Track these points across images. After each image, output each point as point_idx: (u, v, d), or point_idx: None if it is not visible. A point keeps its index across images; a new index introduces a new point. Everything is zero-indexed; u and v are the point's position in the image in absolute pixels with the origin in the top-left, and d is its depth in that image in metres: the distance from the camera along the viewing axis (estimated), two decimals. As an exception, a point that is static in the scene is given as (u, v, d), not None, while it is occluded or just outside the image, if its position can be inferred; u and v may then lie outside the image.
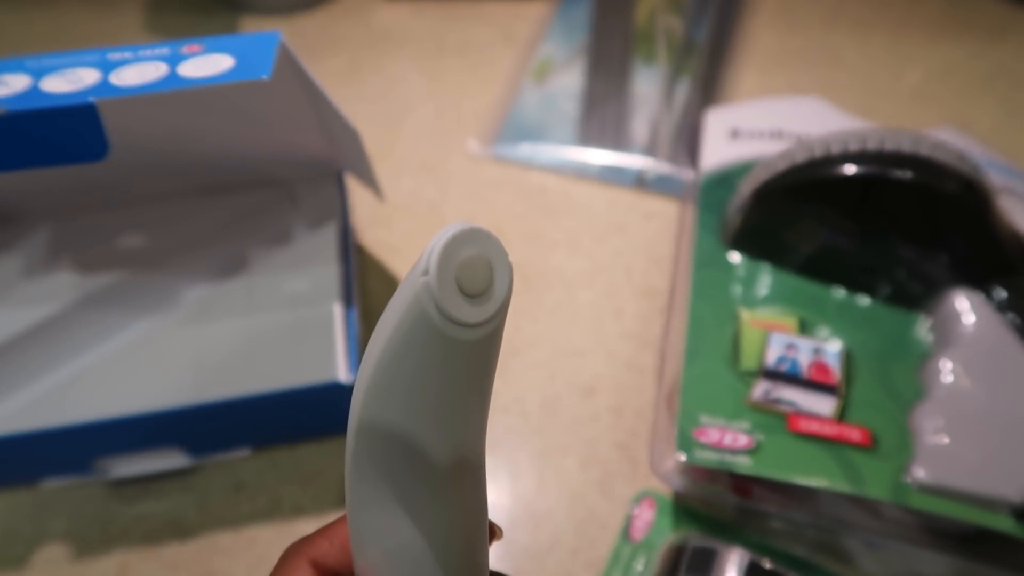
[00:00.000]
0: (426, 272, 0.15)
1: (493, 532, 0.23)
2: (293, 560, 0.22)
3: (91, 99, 0.26)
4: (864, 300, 0.38)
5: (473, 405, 0.18)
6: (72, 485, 0.39)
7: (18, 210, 0.42)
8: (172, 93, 0.28)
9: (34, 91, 0.27)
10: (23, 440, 0.34)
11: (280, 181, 0.44)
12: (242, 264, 0.42)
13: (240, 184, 0.44)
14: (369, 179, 0.40)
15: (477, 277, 0.16)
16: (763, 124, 0.46)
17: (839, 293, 0.38)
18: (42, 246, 0.41)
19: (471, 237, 0.15)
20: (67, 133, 0.27)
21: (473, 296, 0.16)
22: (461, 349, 0.16)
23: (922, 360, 0.35)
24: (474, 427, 0.19)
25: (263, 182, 0.44)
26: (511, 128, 0.53)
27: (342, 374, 0.36)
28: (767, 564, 0.30)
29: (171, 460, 0.38)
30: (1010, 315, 0.34)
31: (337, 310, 0.39)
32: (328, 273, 0.40)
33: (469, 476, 0.20)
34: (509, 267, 0.16)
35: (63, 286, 0.40)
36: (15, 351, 0.38)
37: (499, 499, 0.38)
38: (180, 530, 0.37)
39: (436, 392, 0.17)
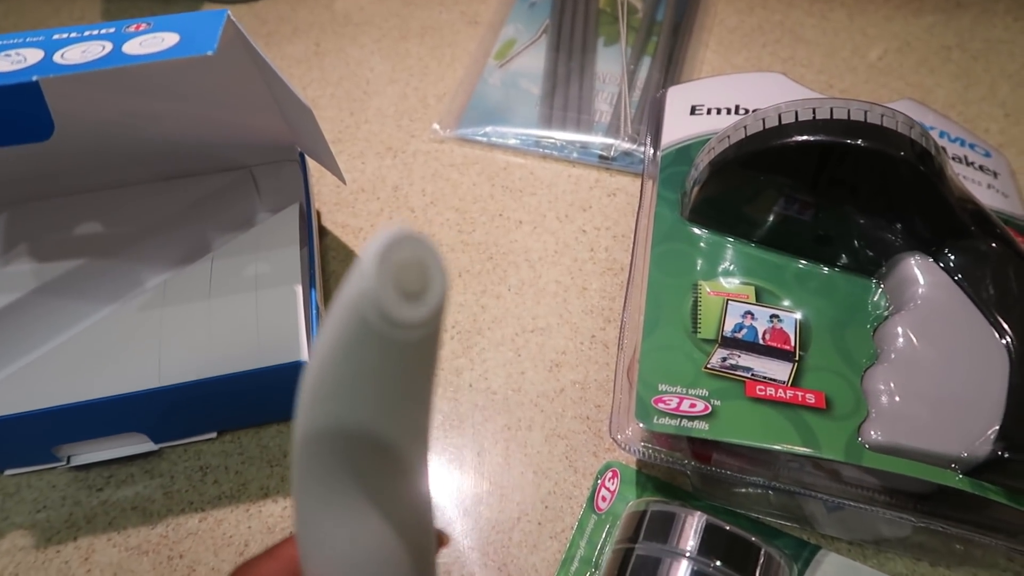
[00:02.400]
0: (364, 274, 0.15)
1: (441, 539, 0.23)
2: None
3: (33, 77, 0.26)
4: (821, 269, 0.38)
5: (414, 407, 0.18)
6: (36, 473, 0.38)
7: (-27, 199, 0.41)
8: (118, 72, 0.28)
9: (-26, 70, 0.27)
10: (-17, 428, 0.34)
11: (241, 165, 0.44)
12: (203, 248, 0.42)
13: (200, 170, 0.44)
14: (327, 159, 0.40)
15: (414, 278, 0.16)
16: (723, 100, 0.46)
17: (797, 263, 0.39)
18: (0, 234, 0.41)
19: (407, 239, 0.15)
20: (10, 112, 0.27)
21: (411, 297, 0.16)
22: (401, 350, 0.16)
23: (877, 324, 0.36)
24: (416, 429, 0.19)
25: (223, 167, 0.44)
26: (475, 110, 0.53)
27: (305, 355, 0.36)
28: (725, 526, 0.31)
29: (135, 445, 0.38)
30: (959, 277, 0.35)
31: (299, 292, 0.39)
32: (290, 256, 0.40)
33: (413, 478, 0.20)
34: (444, 269, 0.16)
35: (21, 274, 0.39)
36: (-27, 340, 0.38)
37: (465, 474, 0.38)
38: (147, 514, 0.37)
39: (378, 394, 0.17)
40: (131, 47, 0.28)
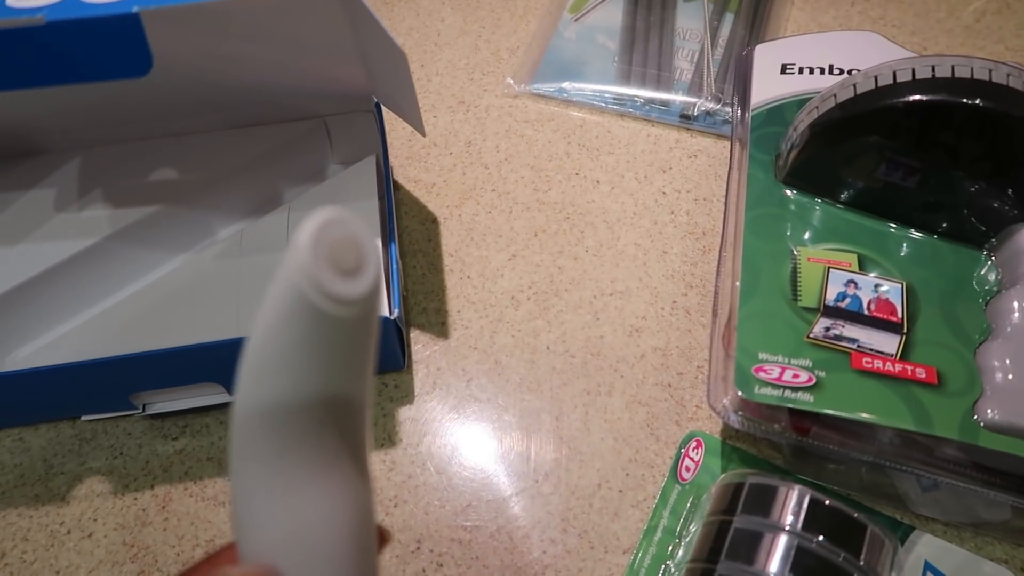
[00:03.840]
0: (300, 251, 0.16)
1: (383, 536, 0.22)
2: None
3: (134, 8, 0.25)
4: (924, 237, 0.37)
5: (353, 388, 0.18)
6: (112, 420, 0.38)
7: (51, 141, 0.41)
8: (214, 8, 0.26)
9: (73, 0, 0.26)
10: (61, 372, 0.33)
11: (314, 114, 0.43)
12: (274, 198, 0.41)
13: (273, 118, 0.42)
14: (410, 109, 0.38)
15: (349, 256, 0.16)
16: (815, 59, 0.44)
17: (898, 230, 0.37)
18: (74, 178, 0.40)
19: (340, 220, 0.16)
20: (109, 45, 0.26)
21: (347, 274, 0.16)
22: (339, 328, 0.17)
23: (988, 298, 0.34)
24: (355, 409, 0.19)
25: (296, 116, 0.43)
26: (549, 64, 0.51)
27: (386, 309, 0.35)
28: (828, 501, 0.29)
29: (211, 396, 0.37)
30: (1084, 251, 0.33)
31: (379, 246, 0.37)
32: (368, 208, 0.39)
33: (353, 460, 0.19)
34: (377, 251, 0.17)
35: (96, 219, 0.39)
36: (51, 284, 0.37)
37: (544, 438, 0.37)
38: (223, 466, 0.37)
39: (317, 372, 0.17)
40: (231, -21, 0.27)
